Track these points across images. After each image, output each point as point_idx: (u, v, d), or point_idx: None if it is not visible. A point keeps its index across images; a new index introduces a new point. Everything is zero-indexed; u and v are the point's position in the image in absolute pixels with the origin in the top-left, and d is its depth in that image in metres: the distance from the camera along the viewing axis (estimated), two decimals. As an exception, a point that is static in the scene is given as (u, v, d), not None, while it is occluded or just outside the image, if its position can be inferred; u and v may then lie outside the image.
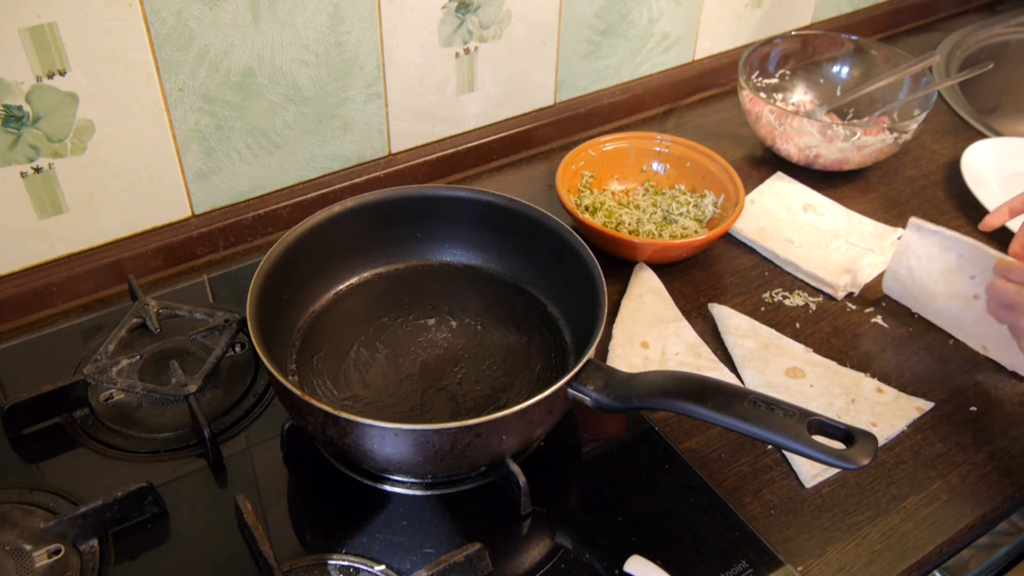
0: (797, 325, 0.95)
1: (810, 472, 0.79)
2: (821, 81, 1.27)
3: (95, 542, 0.71)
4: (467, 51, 1.07)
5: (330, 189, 1.06)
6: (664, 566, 0.70)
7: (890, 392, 0.87)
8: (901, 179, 1.17)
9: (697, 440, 0.82)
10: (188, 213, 0.99)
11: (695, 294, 0.99)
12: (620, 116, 1.27)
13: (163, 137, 0.92)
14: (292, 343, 0.86)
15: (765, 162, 1.19)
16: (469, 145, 1.15)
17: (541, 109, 1.20)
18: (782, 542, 0.74)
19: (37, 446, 0.80)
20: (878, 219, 1.09)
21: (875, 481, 0.79)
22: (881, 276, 1.00)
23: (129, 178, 0.93)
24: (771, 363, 0.88)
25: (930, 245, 0.90)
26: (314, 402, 0.68)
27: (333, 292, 0.92)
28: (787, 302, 0.98)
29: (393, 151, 1.10)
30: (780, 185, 1.14)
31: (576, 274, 0.84)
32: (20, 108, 0.83)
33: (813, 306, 0.97)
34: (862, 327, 0.95)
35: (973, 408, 0.86)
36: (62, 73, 0.83)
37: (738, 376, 0.89)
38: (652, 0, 1.19)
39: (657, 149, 1.11)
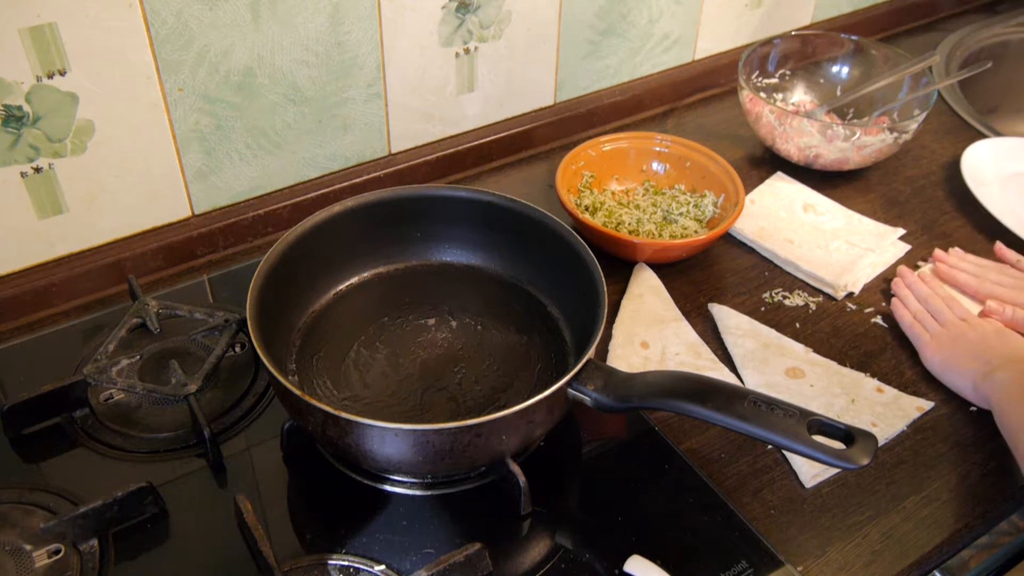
0: (797, 325, 0.95)
1: (810, 472, 0.79)
2: (821, 81, 1.26)
3: (95, 542, 0.71)
4: (467, 51, 1.07)
5: (330, 189, 1.06)
6: (664, 566, 0.70)
7: (890, 392, 0.87)
8: (901, 179, 1.17)
9: (697, 440, 0.82)
10: (188, 213, 0.99)
11: (695, 294, 0.99)
12: (620, 116, 1.26)
13: (163, 137, 0.92)
14: (292, 343, 0.86)
15: (765, 162, 1.19)
16: (469, 145, 1.15)
17: (541, 109, 1.20)
18: (782, 542, 0.74)
19: (37, 446, 0.80)
20: (878, 219, 1.09)
21: (875, 481, 0.79)
22: (881, 276, 1.00)
23: (129, 178, 0.93)
24: (771, 363, 0.88)
25: None
26: (314, 402, 0.68)
27: (333, 292, 0.92)
28: (787, 302, 0.98)
29: (393, 151, 1.10)
30: (780, 185, 1.14)
31: (576, 274, 0.84)
32: (20, 108, 0.83)
33: (813, 306, 0.97)
34: (862, 327, 0.95)
35: (973, 408, 0.86)
36: (62, 73, 0.83)
37: (738, 376, 0.89)
38: (652, 0, 1.19)
39: (657, 149, 1.11)
